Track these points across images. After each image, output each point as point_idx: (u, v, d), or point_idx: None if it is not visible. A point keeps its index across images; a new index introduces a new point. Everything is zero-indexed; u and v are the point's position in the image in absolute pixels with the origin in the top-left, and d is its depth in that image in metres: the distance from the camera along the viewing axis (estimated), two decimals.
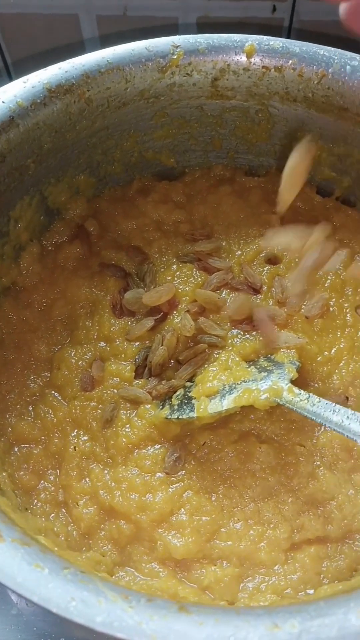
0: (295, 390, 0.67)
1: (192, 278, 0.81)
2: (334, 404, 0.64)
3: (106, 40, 1.12)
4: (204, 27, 1.09)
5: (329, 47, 0.79)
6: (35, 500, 0.71)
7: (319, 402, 0.65)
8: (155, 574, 0.66)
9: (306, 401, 0.66)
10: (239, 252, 0.85)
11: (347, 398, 0.74)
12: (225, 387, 0.71)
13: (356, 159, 0.85)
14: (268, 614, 0.45)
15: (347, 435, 0.61)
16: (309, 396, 0.66)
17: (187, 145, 0.92)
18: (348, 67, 0.78)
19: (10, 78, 1.19)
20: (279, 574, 0.66)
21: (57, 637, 0.73)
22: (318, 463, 0.71)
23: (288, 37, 1.10)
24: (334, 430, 0.62)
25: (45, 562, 0.47)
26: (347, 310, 0.80)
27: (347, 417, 0.61)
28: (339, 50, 0.79)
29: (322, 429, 0.72)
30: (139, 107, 0.83)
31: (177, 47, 0.80)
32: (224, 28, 0.83)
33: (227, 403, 0.69)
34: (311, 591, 0.65)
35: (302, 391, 0.67)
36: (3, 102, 0.72)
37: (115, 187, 0.92)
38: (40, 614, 0.75)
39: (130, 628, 0.43)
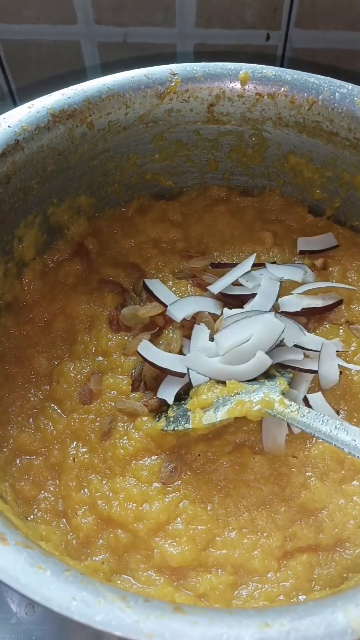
0: (286, 401, 0.68)
1: (186, 294, 0.83)
2: (322, 415, 0.65)
3: (106, 68, 1.14)
4: (200, 55, 1.12)
5: (319, 75, 0.82)
6: (36, 510, 0.71)
7: (309, 413, 0.66)
8: (152, 582, 0.66)
9: (296, 412, 0.66)
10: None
11: (337, 412, 0.75)
12: (219, 399, 0.71)
13: (345, 180, 0.87)
14: (259, 614, 0.46)
15: (335, 445, 0.61)
16: (299, 407, 0.67)
17: (184, 167, 0.93)
18: (337, 94, 0.80)
19: (15, 103, 1.21)
20: (272, 582, 0.67)
21: None
22: (310, 474, 0.71)
23: (281, 65, 1.13)
24: (323, 440, 0.63)
25: (47, 564, 0.48)
26: (341, 327, 0.82)
27: (335, 427, 0.62)
28: (329, 78, 0.81)
29: (314, 441, 0.73)
30: (138, 131, 0.85)
31: (174, 74, 0.82)
32: (220, 56, 0.85)
33: (220, 414, 0.69)
34: (303, 598, 0.66)
35: (292, 403, 0.67)
36: (9, 126, 0.74)
37: (115, 207, 0.93)
38: (39, 622, 0.75)
39: (128, 626, 0.44)
